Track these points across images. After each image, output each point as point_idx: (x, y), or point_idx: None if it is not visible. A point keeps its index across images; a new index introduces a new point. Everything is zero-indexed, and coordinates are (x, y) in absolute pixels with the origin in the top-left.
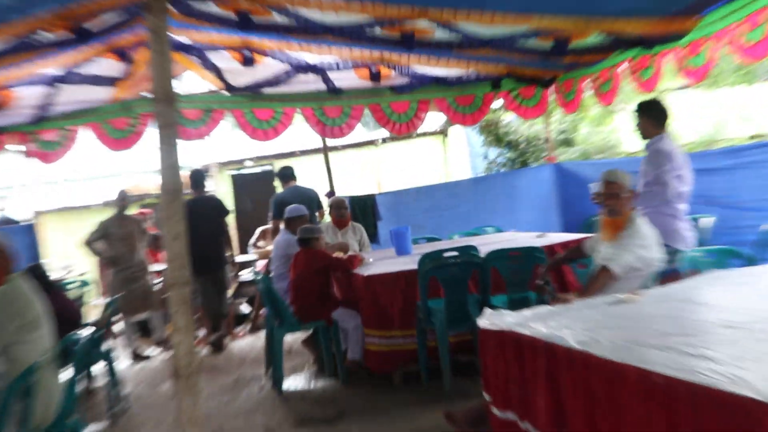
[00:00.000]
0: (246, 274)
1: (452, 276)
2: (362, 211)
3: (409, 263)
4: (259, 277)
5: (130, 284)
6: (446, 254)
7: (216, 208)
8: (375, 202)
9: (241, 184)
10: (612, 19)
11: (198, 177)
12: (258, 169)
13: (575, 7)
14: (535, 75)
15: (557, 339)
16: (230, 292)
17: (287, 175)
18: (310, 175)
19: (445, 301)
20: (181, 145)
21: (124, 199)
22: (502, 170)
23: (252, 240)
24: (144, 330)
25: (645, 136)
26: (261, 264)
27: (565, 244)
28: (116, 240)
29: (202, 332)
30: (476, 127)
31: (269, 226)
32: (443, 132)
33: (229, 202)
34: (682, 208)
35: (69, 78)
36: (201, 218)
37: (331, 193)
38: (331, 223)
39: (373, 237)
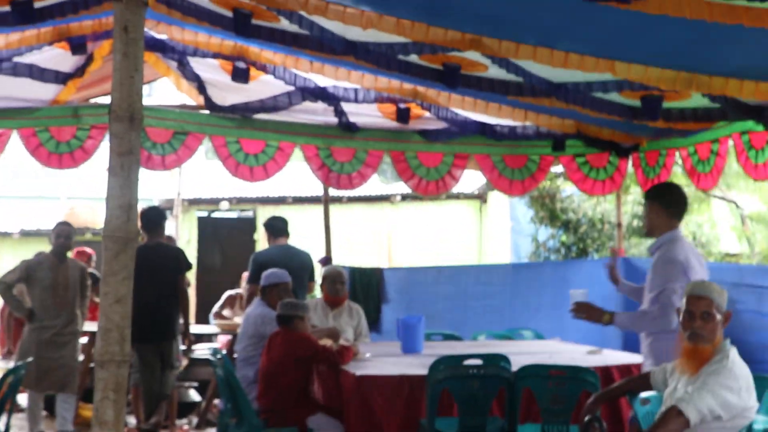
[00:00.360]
0: (201, 351)
1: (472, 391)
2: (364, 288)
3: (417, 366)
4: (218, 357)
5: (48, 351)
6: (467, 361)
7: (173, 259)
8: (382, 279)
9: (211, 231)
10: (724, 79)
11: (154, 217)
12: (235, 214)
13: (676, 58)
14: (612, 139)
15: None
16: (177, 371)
17: (278, 228)
18: (301, 233)
19: (459, 424)
20: (142, 174)
21: (66, 237)
22: (554, 257)
23: (216, 307)
24: (51, 408)
25: (651, 232)
26: (223, 340)
27: (626, 369)
28: (42, 288)
29: (132, 420)
30: (526, 198)
31: (241, 291)
32: (481, 197)
33: (191, 252)
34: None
35: (2, 66)
36: (151, 272)
37: (326, 260)
38: (322, 299)
39: (375, 324)
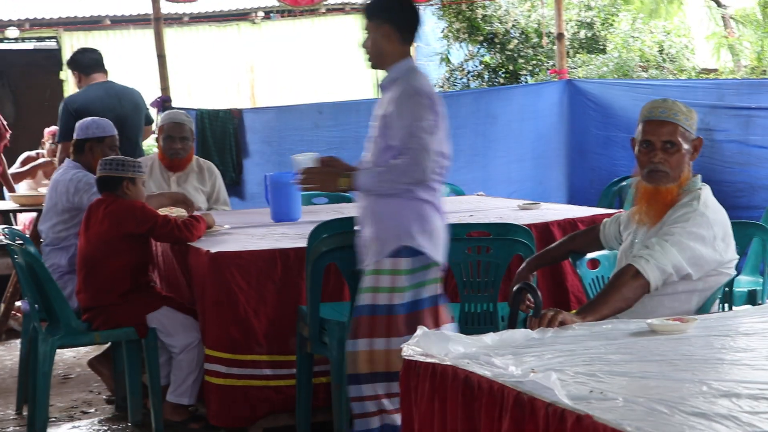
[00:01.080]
0: None
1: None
2: (218, 139)
3: (292, 237)
4: (17, 242)
5: None
6: (358, 226)
7: None
8: (242, 125)
9: None
10: None
11: None
12: (31, 45)
13: None
14: None
15: (537, 389)
16: None
17: (89, 63)
18: (124, 68)
19: (352, 308)
20: None
21: None
22: (474, 85)
23: (10, 173)
24: None
25: (379, 63)
26: (24, 219)
27: (570, 225)
28: None
29: None
30: (434, 4)
31: (44, 152)
32: None
33: None
34: (441, 190)
35: None
36: None
37: (162, 103)
38: (159, 157)
39: (235, 186)
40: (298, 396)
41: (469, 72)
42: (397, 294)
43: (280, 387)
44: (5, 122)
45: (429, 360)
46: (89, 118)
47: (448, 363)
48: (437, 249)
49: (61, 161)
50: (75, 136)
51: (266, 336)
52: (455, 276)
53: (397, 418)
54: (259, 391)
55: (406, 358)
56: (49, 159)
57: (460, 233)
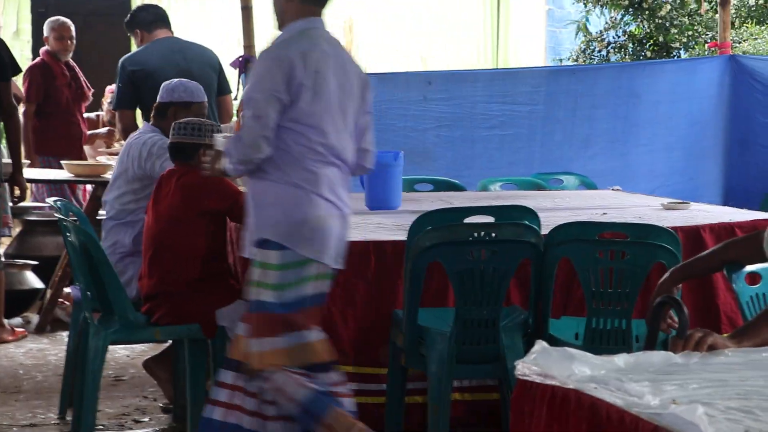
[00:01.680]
0: (41, 208)
1: (477, 267)
2: None
3: (390, 229)
4: (71, 218)
5: None
6: (470, 219)
7: None
8: None
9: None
10: None
11: None
12: None
13: None
14: None
15: (679, 424)
16: (3, 241)
17: (153, 18)
18: (199, 24)
19: (456, 318)
20: None
21: None
22: (615, 58)
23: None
24: None
25: (278, 21)
26: (81, 193)
27: (726, 230)
28: None
29: None
30: None
31: (103, 114)
32: None
33: (23, 51)
34: (329, 175)
35: None
36: None
37: (245, 63)
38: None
39: None
40: (388, 417)
41: (609, 43)
42: (269, 290)
43: (367, 405)
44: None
45: (548, 382)
46: (176, 80)
47: (572, 387)
48: (310, 244)
49: (123, 128)
50: (159, 99)
51: (353, 344)
52: (582, 285)
53: (244, 420)
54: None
55: (520, 377)
56: (111, 129)
57: (589, 234)
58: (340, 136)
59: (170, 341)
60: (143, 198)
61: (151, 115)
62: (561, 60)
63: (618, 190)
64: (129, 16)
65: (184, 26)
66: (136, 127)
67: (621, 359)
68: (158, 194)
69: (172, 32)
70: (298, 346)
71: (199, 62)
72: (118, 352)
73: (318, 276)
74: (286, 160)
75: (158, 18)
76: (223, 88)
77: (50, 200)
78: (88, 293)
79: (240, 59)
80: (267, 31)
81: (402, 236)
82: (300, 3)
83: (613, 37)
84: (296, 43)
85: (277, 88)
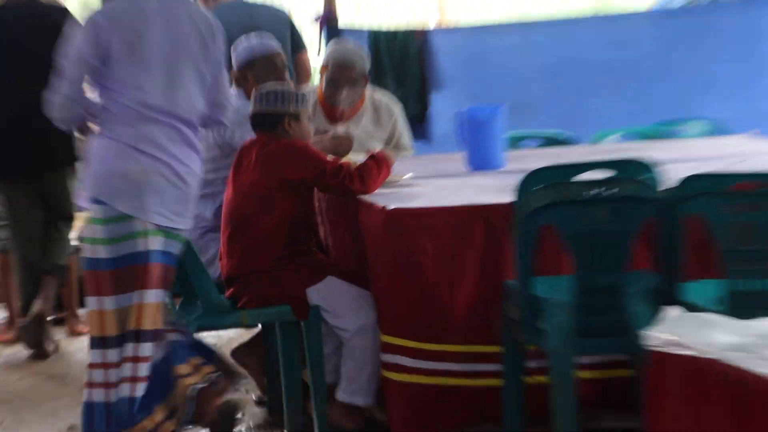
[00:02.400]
0: None
1: (595, 228)
2: (397, 67)
3: (495, 190)
4: None
5: None
6: (583, 176)
7: (52, 28)
8: (428, 48)
9: None
10: None
11: None
12: None
13: None
14: None
15: None
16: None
17: None
18: None
19: (575, 284)
20: None
21: None
22: None
23: None
24: None
25: None
26: None
27: None
28: None
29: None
30: None
31: None
32: None
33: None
34: (155, 131)
35: None
36: (19, 50)
37: (326, 20)
38: (319, 100)
39: (420, 125)
40: (506, 400)
41: None
42: (98, 246)
43: (482, 388)
44: None
45: (684, 352)
46: (245, 37)
47: (713, 357)
48: (128, 200)
49: None
50: (235, 60)
51: (463, 320)
52: (717, 243)
53: (102, 394)
54: (455, 392)
55: (651, 348)
56: None
57: (721, 185)
58: (170, 93)
59: (259, 326)
60: (223, 168)
61: (233, 78)
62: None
63: (758, 133)
64: None
65: None
66: None
67: None
68: (238, 167)
69: None
70: (128, 307)
71: (267, 20)
72: (204, 340)
73: (147, 233)
74: (109, 118)
75: None
76: (297, 44)
77: None
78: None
79: (320, 16)
80: None
81: (508, 198)
82: None
83: None
84: (112, 5)
85: (85, 53)
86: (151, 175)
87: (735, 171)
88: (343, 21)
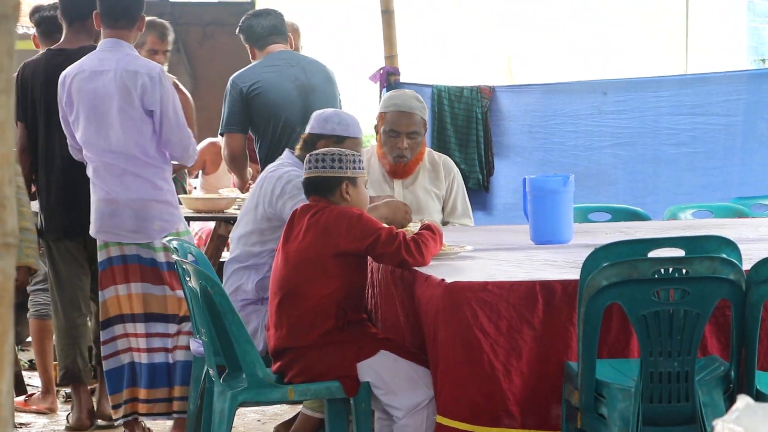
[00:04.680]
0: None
1: (665, 310)
2: (462, 127)
3: (559, 266)
4: (189, 259)
5: None
6: (654, 253)
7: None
8: (494, 108)
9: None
10: None
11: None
12: None
13: None
14: None
15: None
16: None
17: (265, 31)
18: (331, 35)
19: (642, 369)
20: None
21: None
22: None
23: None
24: None
25: None
26: (200, 230)
27: None
28: None
29: (36, 383)
30: None
31: (218, 140)
32: None
33: None
34: (93, 167)
35: None
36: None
37: (387, 76)
38: (377, 154)
39: (482, 192)
40: None
41: None
42: None
43: None
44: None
45: None
46: (331, 110)
47: None
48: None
49: (230, 157)
50: (308, 129)
51: (520, 403)
52: None
53: (144, 357)
54: None
55: None
56: (215, 140)
57: None
58: (101, 134)
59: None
60: (270, 240)
61: (297, 146)
62: (764, 61)
63: None
64: (242, 23)
65: (316, 34)
66: (245, 154)
67: None
68: (289, 233)
69: (287, 44)
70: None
71: (321, 76)
72: (247, 415)
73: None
74: None
75: (272, 30)
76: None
77: (165, 239)
78: (210, 345)
79: (381, 71)
80: (411, 38)
81: (574, 275)
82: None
83: None
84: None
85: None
86: (94, 202)
87: None
88: (403, 77)
